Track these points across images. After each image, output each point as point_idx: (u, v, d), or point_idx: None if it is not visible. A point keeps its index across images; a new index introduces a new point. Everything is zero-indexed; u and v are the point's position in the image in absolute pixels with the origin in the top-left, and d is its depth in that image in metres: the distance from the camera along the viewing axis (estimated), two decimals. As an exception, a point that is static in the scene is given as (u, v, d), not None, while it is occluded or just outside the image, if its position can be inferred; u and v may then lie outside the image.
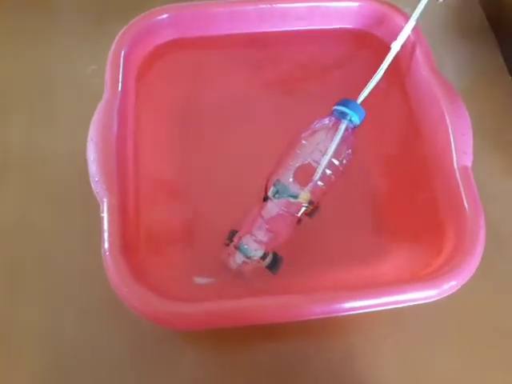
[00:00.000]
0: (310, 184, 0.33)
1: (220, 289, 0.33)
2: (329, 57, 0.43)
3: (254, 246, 0.32)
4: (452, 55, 0.46)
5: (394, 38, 0.38)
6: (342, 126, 0.34)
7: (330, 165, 0.34)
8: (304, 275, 0.34)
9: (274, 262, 0.33)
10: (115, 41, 0.38)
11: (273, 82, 0.42)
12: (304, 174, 0.34)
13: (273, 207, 0.33)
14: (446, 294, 0.31)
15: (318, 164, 0.33)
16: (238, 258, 0.32)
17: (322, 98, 0.37)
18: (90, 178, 0.32)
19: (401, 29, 0.38)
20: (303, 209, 0.33)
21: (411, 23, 0.38)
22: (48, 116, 0.41)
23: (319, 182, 0.34)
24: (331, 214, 0.36)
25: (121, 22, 0.40)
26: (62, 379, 0.33)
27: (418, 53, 0.39)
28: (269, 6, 0.42)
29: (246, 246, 0.32)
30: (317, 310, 0.30)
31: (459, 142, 0.35)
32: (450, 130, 0.35)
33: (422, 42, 0.39)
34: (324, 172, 0.33)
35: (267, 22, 0.42)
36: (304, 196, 0.33)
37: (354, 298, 0.30)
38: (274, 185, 0.34)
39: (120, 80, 0.37)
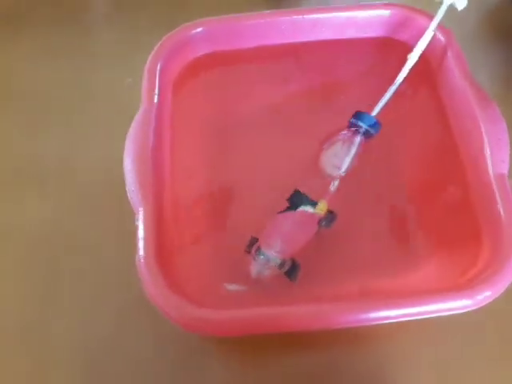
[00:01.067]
0: (327, 196, 0.34)
1: (251, 297, 0.33)
2: (361, 66, 0.44)
3: (270, 255, 0.33)
4: (485, 60, 0.45)
5: (427, 46, 0.38)
6: (357, 140, 0.35)
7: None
8: (334, 285, 0.34)
9: (293, 269, 0.33)
10: (152, 54, 0.40)
11: (306, 92, 0.42)
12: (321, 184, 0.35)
13: (288, 217, 0.34)
14: (480, 305, 0.30)
15: (333, 176, 0.35)
16: (255, 267, 0.33)
17: (355, 107, 0.37)
18: (127, 188, 0.33)
19: (435, 36, 0.38)
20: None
21: (429, 34, 0.37)
22: (85, 128, 0.43)
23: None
24: (361, 221, 0.36)
25: (155, 35, 0.41)
26: (94, 382, 0.34)
27: (451, 58, 0.38)
28: (301, 16, 0.42)
29: (262, 257, 0.33)
30: (351, 318, 0.30)
31: (495, 150, 0.34)
32: (485, 138, 0.34)
33: (455, 47, 0.39)
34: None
35: (300, 32, 0.43)
36: (321, 206, 0.34)
37: (384, 307, 0.30)
38: (292, 195, 0.35)
39: (156, 92, 0.38)
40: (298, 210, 0.34)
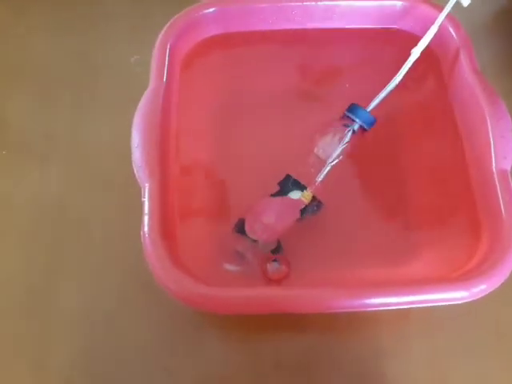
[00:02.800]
0: (313, 185, 0.35)
1: (251, 277, 0.34)
2: (368, 55, 0.44)
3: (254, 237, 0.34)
4: (495, 57, 0.45)
5: (437, 40, 0.38)
6: (348, 134, 0.36)
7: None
8: (329, 271, 0.34)
9: (276, 249, 0.34)
10: (162, 32, 0.40)
11: (313, 78, 0.42)
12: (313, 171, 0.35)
13: (272, 202, 0.35)
14: (476, 297, 0.30)
15: (322, 166, 0.35)
16: (240, 247, 0.34)
17: (359, 96, 0.38)
18: (133, 164, 0.34)
19: (445, 30, 0.38)
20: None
21: (433, 29, 0.37)
22: (91, 104, 0.43)
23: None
24: (362, 209, 0.36)
25: (165, 14, 0.41)
26: (95, 353, 0.34)
27: (461, 53, 0.39)
28: (313, 3, 0.42)
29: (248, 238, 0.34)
30: (347, 303, 0.30)
31: (499, 145, 0.34)
32: (490, 133, 0.35)
33: (466, 42, 0.39)
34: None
35: (310, 19, 0.43)
36: (306, 195, 0.35)
37: (384, 294, 0.30)
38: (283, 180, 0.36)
39: (165, 70, 0.38)
40: (286, 196, 0.35)
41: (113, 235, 0.37)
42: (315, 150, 0.36)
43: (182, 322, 0.35)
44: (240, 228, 0.34)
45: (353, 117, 0.36)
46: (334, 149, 0.35)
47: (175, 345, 0.34)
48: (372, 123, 0.36)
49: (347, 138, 0.36)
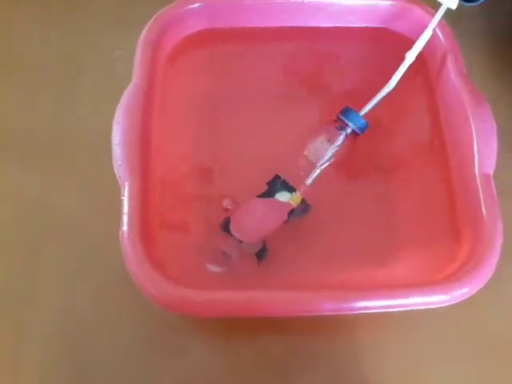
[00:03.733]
0: (302, 188, 0.35)
1: (233, 279, 0.34)
2: (358, 55, 0.43)
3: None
4: (483, 60, 0.45)
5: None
6: (341, 137, 0.36)
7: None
8: (313, 273, 0.34)
9: (262, 251, 0.34)
10: (146, 27, 0.39)
11: (299, 78, 0.42)
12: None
13: (259, 203, 0.35)
14: (457, 301, 0.30)
15: (312, 168, 0.35)
16: (225, 247, 0.34)
17: (348, 97, 0.38)
18: (113, 162, 0.33)
19: (435, 34, 0.38)
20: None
21: (428, 33, 0.37)
22: (74, 99, 0.42)
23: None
24: (344, 212, 0.36)
25: (151, 8, 0.40)
26: (71, 356, 0.34)
27: (448, 56, 0.39)
28: (299, 0, 0.41)
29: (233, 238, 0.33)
30: (328, 306, 0.30)
31: (482, 147, 0.34)
32: (474, 135, 0.35)
33: (453, 45, 0.39)
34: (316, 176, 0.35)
35: (297, 16, 0.42)
36: (295, 198, 0.34)
37: (366, 298, 0.30)
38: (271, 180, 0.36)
39: (148, 66, 0.37)
40: (274, 197, 0.35)
41: (93, 234, 0.37)
42: (305, 152, 0.36)
43: (162, 324, 0.34)
44: (226, 227, 0.34)
45: (346, 121, 0.36)
46: (324, 152, 0.35)
47: (155, 346, 0.34)
48: (364, 128, 0.36)
49: (339, 142, 0.36)
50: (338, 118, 0.37)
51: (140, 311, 0.34)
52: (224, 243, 0.34)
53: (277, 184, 0.36)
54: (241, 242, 0.33)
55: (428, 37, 0.37)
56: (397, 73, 0.36)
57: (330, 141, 0.36)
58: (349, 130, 0.36)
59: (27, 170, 0.39)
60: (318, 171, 0.35)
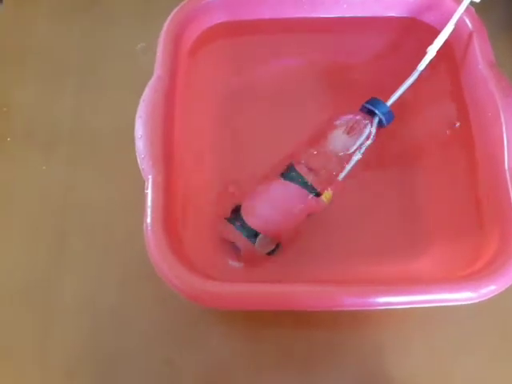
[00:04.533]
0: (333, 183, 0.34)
1: (255, 273, 0.34)
2: (382, 46, 0.42)
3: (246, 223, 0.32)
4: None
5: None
6: (368, 128, 0.35)
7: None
8: (337, 268, 0.34)
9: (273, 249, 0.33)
10: (168, 20, 0.39)
11: (321, 69, 0.41)
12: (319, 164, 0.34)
13: (280, 187, 0.33)
14: (484, 298, 0.30)
15: (341, 164, 0.34)
16: (229, 234, 0.33)
17: (370, 89, 0.37)
18: (137, 155, 0.33)
19: (460, 22, 0.37)
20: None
21: (450, 27, 0.36)
22: (97, 92, 0.42)
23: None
24: (369, 206, 0.36)
25: (170, 1, 0.40)
26: (96, 347, 0.34)
27: (476, 45, 0.37)
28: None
29: (238, 223, 0.33)
30: (352, 301, 0.30)
31: (512, 143, 0.34)
32: (504, 128, 0.34)
33: (482, 35, 0.38)
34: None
35: (320, 7, 0.42)
36: (327, 195, 0.33)
37: (390, 293, 0.30)
38: (289, 168, 0.34)
39: (171, 59, 0.37)
40: (292, 183, 0.33)
41: (117, 226, 0.37)
42: (330, 146, 0.35)
43: (185, 316, 0.35)
44: (233, 215, 0.33)
45: (375, 110, 0.35)
46: (351, 144, 0.34)
47: (177, 338, 0.34)
48: (391, 119, 0.36)
49: (366, 133, 0.35)
50: (364, 107, 0.36)
51: (163, 303, 0.34)
52: (228, 232, 0.33)
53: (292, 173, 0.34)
54: (250, 236, 0.33)
55: (450, 31, 0.36)
56: (418, 67, 0.36)
57: (354, 132, 0.35)
58: (376, 120, 0.35)
59: (51, 160, 0.40)
60: (349, 166, 0.34)
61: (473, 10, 0.38)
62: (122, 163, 0.36)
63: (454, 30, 0.37)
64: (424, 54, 0.36)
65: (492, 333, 0.34)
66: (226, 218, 0.34)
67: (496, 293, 0.30)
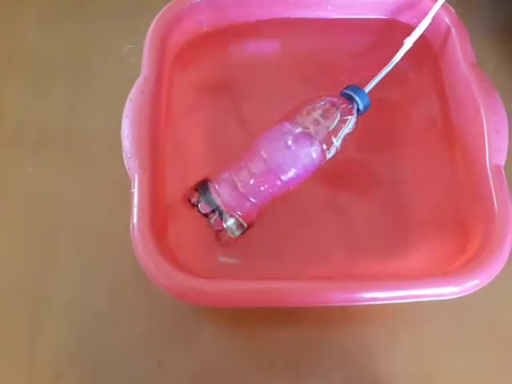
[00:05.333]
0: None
1: (243, 270, 0.34)
2: (362, 46, 0.43)
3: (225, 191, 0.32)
4: (496, 52, 0.44)
5: (434, 33, 0.38)
6: (353, 118, 0.35)
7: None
8: (324, 263, 0.34)
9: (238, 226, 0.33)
10: (153, 22, 0.39)
11: (305, 68, 0.42)
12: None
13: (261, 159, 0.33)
14: (468, 292, 0.30)
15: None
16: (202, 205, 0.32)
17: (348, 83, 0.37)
18: (123, 154, 0.33)
19: (440, 21, 0.38)
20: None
21: (427, 21, 0.37)
22: (85, 93, 0.42)
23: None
24: (355, 203, 0.36)
25: (159, 3, 0.40)
26: (86, 347, 0.34)
27: (457, 46, 0.38)
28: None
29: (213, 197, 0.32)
30: (338, 297, 0.31)
31: (493, 140, 0.34)
32: (485, 127, 0.34)
33: (463, 36, 0.39)
34: None
35: (305, 8, 0.42)
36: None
37: (375, 289, 0.30)
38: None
39: (157, 60, 0.37)
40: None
41: (106, 227, 0.37)
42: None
43: (175, 315, 0.35)
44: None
45: (352, 94, 0.36)
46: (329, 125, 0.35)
47: (168, 337, 0.34)
48: (369, 105, 0.36)
49: (345, 115, 0.35)
50: (343, 93, 0.36)
51: (152, 302, 0.34)
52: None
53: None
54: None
55: (427, 24, 0.37)
56: (395, 57, 0.37)
57: (332, 113, 0.35)
58: (355, 106, 0.36)
59: (40, 162, 0.39)
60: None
61: (453, 11, 0.39)
62: (110, 164, 0.36)
63: (430, 23, 0.37)
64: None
65: (478, 329, 0.35)
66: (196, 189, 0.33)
67: (480, 287, 0.30)
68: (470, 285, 0.30)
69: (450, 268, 0.32)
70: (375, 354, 0.34)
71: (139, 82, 0.36)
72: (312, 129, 0.34)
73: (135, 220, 0.31)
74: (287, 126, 0.34)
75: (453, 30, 0.39)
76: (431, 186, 0.37)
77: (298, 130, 0.34)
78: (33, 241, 0.37)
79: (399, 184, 0.37)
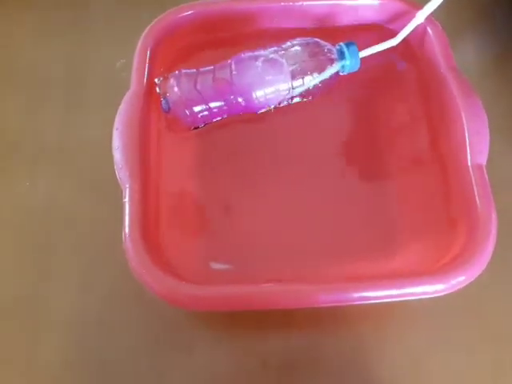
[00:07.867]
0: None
1: (235, 275, 0.34)
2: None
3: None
4: (477, 54, 0.45)
5: (416, 38, 0.39)
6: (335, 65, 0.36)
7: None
8: (314, 265, 0.34)
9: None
10: (143, 35, 0.40)
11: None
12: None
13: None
14: (454, 289, 0.31)
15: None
16: None
17: (339, 94, 0.38)
18: (115, 165, 0.34)
19: (423, 29, 0.39)
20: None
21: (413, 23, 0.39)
22: (79, 106, 0.43)
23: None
24: (344, 205, 0.37)
25: (153, 16, 0.41)
26: (83, 356, 0.35)
27: (437, 49, 0.39)
28: (291, 3, 0.42)
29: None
30: (327, 298, 0.31)
31: (474, 141, 0.35)
32: (466, 128, 0.35)
33: (442, 39, 0.39)
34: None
35: (290, 19, 0.43)
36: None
37: (362, 289, 0.31)
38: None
39: (146, 73, 0.38)
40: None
41: (101, 238, 0.38)
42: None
43: (169, 321, 0.35)
44: None
45: (344, 48, 0.37)
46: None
47: (163, 343, 0.35)
48: (356, 67, 0.37)
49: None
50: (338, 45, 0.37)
51: (151, 310, 0.35)
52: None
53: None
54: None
55: (414, 26, 0.39)
56: (404, 30, 0.39)
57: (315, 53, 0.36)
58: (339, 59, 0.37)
59: (35, 174, 0.40)
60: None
61: (433, 19, 0.40)
62: (104, 175, 0.37)
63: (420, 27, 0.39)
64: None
65: (469, 328, 0.35)
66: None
67: (465, 283, 0.31)
68: (455, 281, 0.31)
69: (436, 266, 0.33)
70: (366, 353, 0.34)
71: (128, 95, 0.37)
72: (287, 59, 0.35)
73: (127, 230, 0.32)
74: (267, 49, 0.35)
75: (433, 36, 0.40)
76: (417, 187, 0.37)
77: (272, 55, 0.35)
78: (29, 253, 0.37)
79: (385, 185, 0.38)
